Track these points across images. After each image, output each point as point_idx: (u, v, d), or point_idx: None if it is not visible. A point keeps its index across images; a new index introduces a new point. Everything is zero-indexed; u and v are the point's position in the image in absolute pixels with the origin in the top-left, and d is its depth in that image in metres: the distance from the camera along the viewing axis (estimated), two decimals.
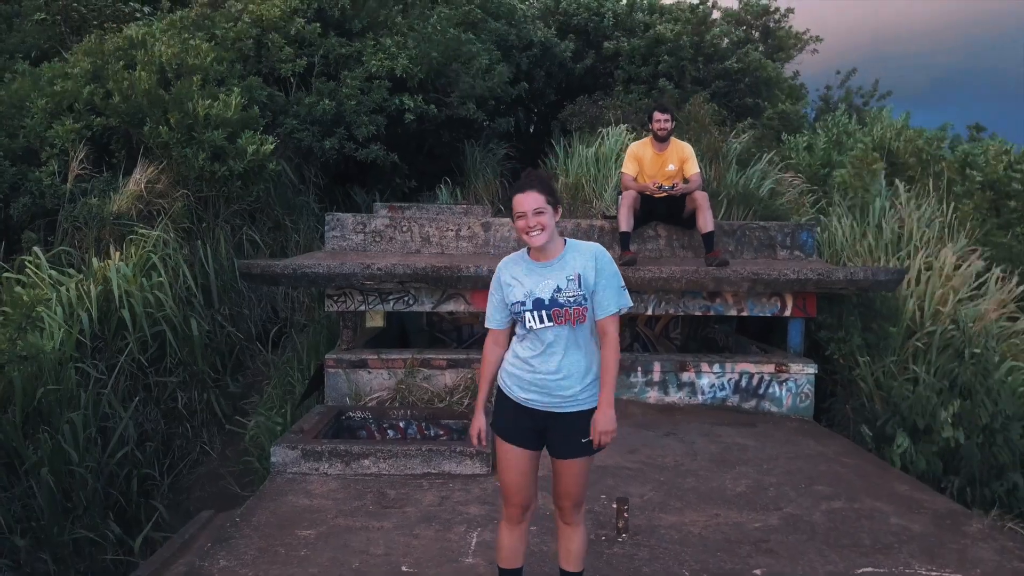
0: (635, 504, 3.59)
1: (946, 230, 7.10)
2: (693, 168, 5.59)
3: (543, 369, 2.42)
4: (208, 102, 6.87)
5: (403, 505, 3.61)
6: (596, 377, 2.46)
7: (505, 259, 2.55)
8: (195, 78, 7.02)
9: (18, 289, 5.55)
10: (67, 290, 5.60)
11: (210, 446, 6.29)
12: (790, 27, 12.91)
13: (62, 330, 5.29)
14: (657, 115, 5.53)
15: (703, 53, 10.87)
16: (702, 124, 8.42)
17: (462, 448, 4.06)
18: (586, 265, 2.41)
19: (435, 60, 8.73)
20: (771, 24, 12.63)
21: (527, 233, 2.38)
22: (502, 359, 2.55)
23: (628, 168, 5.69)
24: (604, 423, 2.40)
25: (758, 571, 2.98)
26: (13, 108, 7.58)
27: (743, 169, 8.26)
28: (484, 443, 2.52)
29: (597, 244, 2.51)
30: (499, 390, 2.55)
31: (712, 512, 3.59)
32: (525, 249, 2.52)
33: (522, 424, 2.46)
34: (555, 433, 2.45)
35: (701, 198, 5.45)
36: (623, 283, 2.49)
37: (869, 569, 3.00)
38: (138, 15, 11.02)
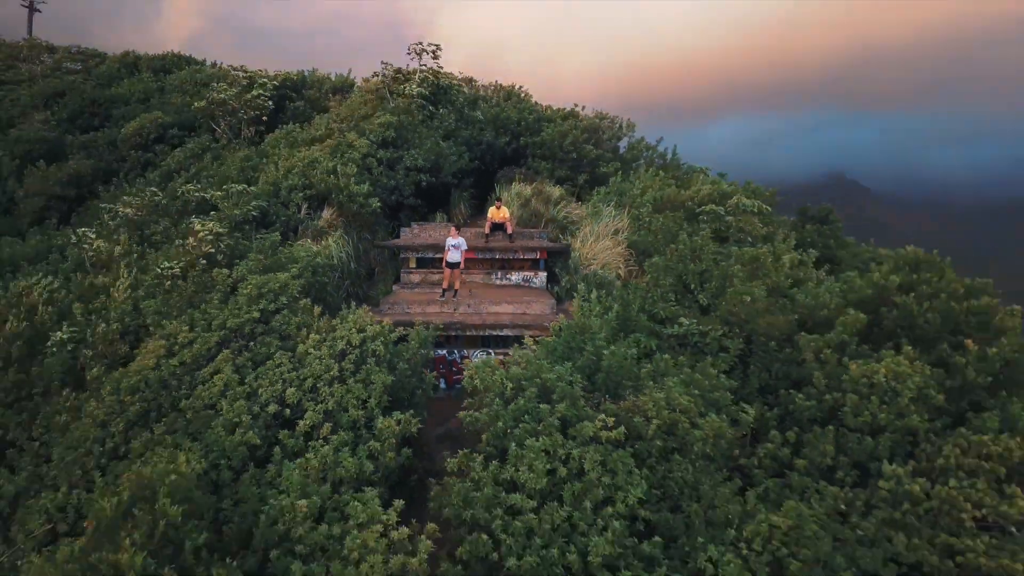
0: (474, 293, 16.26)
1: (620, 232, 19.69)
2: (509, 216, 18.23)
3: (451, 261, 15.36)
4: (359, 187, 19.50)
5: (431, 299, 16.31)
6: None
7: (448, 238, 15.45)
8: (351, 172, 19.80)
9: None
10: (316, 255, 18.25)
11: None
12: (623, 123, 25.51)
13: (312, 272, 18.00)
14: (497, 204, 18.23)
15: (562, 150, 23.42)
16: (546, 195, 20.87)
17: (446, 288, 16.82)
18: (464, 244, 15.45)
19: (431, 155, 21.40)
20: (606, 124, 25.19)
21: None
22: (447, 263, 15.32)
23: (489, 215, 18.39)
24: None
25: (500, 303, 15.69)
26: (272, 187, 20.30)
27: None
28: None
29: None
30: (444, 263, 15.32)
31: (493, 297, 16.24)
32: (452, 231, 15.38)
33: (449, 266, 15.35)
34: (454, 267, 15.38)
35: (510, 225, 18.15)
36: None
37: (505, 304, 15.69)
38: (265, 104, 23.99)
